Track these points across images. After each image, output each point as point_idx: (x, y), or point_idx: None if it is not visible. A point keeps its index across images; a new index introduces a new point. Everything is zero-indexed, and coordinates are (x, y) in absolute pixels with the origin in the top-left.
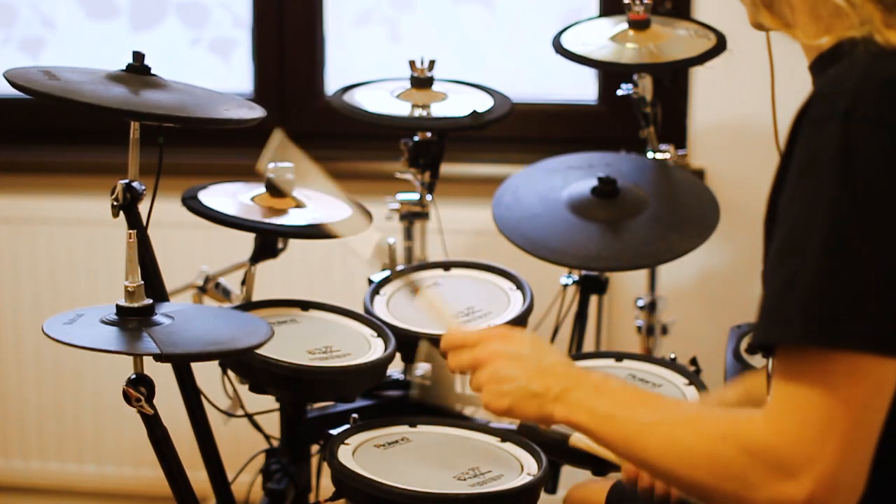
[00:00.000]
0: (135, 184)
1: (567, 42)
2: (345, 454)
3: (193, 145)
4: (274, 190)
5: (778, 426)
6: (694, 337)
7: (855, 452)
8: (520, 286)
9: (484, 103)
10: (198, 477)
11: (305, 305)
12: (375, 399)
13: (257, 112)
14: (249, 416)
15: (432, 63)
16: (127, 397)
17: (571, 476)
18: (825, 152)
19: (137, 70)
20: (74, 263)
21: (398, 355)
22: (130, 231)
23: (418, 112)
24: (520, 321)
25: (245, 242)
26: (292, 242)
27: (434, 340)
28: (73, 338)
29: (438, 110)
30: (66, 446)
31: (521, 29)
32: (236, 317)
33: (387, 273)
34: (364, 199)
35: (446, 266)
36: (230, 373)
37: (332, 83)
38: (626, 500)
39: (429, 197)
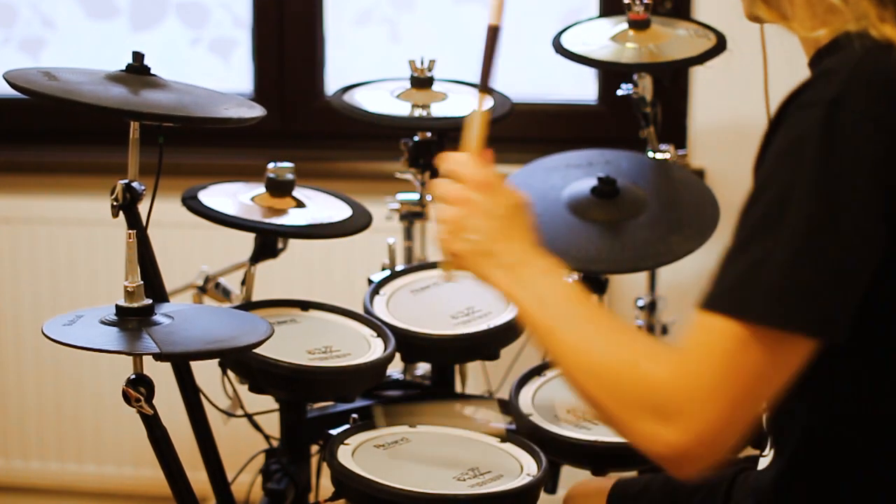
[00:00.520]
0: (134, 184)
1: (567, 42)
2: (345, 454)
3: (193, 145)
4: None
5: (676, 371)
6: None
7: (737, 417)
8: None
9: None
10: (198, 477)
11: (305, 305)
12: (375, 399)
13: (257, 111)
14: (249, 416)
15: (432, 63)
16: (126, 397)
17: (571, 476)
18: (807, 138)
19: (137, 70)
20: (74, 263)
21: (398, 355)
22: (130, 231)
23: (418, 112)
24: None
25: (245, 242)
26: (292, 242)
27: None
28: (73, 338)
29: (438, 110)
30: (66, 446)
31: (521, 29)
32: (236, 316)
33: (387, 273)
34: (364, 199)
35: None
36: (230, 373)
37: (332, 83)
38: (627, 499)
39: (429, 197)
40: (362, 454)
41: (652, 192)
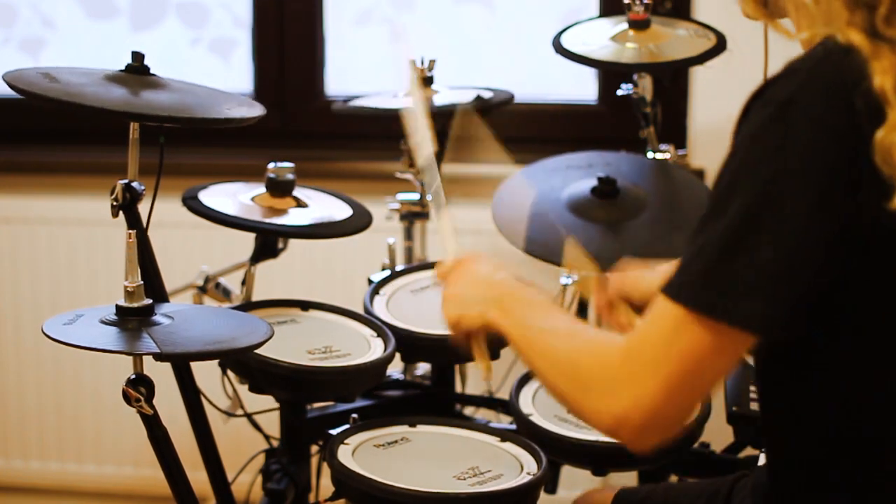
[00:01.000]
0: (134, 184)
1: (567, 42)
2: (345, 454)
3: (194, 145)
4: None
5: (622, 347)
6: None
7: (676, 392)
8: None
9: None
10: (198, 477)
11: (305, 305)
12: (375, 399)
13: (257, 110)
14: (249, 416)
15: (432, 63)
16: (126, 397)
17: (571, 476)
18: (759, 133)
19: (137, 70)
20: (74, 263)
21: (398, 355)
22: (130, 231)
23: None
24: None
25: (245, 242)
26: (292, 242)
27: None
28: (73, 338)
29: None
30: (66, 446)
31: (521, 29)
32: (236, 317)
33: (387, 273)
34: (364, 199)
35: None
36: (230, 373)
37: (332, 83)
38: None
39: (429, 197)
40: (362, 454)
41: (652, 193)
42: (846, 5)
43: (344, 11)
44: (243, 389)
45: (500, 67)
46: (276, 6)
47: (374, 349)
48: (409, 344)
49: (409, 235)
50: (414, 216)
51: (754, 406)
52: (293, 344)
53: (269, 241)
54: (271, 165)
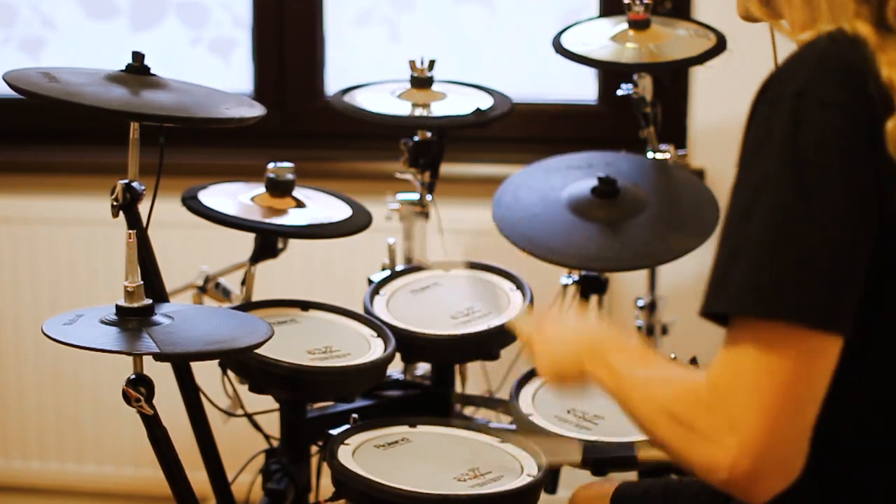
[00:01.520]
0: (134, 184)
1: (567, 42)
2: (345, 454)
3: (193, 145)
4: None
5: (713, 390)
6: (694, 337)
7: (782, 422)
8: (520, 286)
9: (485, 102)
10: (198, 477)
11: (305, 305)
12: (375, 399)
13: (257, 110)
14: (249, 416)
15: (432, 63)
16: (126, 397)
17: (571, 476)
18: (776, 130)
19: (137, 70)
20: (74, 263)
21: (398, 355)
22: (130, 231)
23: (418, 112)
24: None
25: (245, 242)
26: (292, 242)
27: None
28: (73, 338)
29: (438, 110)
30: (66, 446)
31: (521, 29)
32: (236, 317)
33: (387, 273)
34: (364, 199)
35: (446, 266)
36: (230, 373)
37: (332, 83)
38: (630, 502)
39: (429, 197)
40: (362, 454)
41: (652, 192)
42: None
43: (344, 11)
44: (243, 389)
45: (500, 67)
46: (276, 6)
47: (374, 349)
48: (409, 344)
49: (409, 235)
50: (414, 216)
51: None
52: (293, 344)
53: (268, 241)
54: (271, 165)
